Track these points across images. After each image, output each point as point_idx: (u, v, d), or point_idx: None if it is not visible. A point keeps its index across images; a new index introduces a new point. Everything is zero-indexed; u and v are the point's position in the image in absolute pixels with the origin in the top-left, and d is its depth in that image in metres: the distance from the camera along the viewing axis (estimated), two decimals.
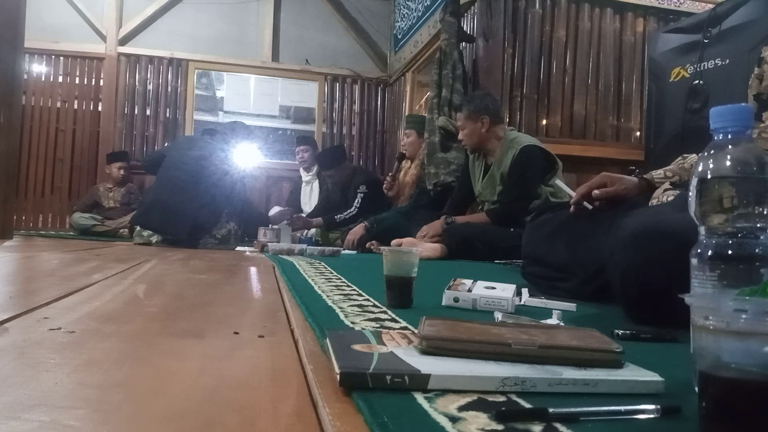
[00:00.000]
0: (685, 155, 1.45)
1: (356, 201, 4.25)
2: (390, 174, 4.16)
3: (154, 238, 3.60)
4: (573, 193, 1.53)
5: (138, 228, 3.75)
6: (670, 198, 1.32)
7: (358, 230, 3.74)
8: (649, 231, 1.03)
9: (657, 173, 1.45)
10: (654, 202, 1.38)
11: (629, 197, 1.44)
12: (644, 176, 1.46)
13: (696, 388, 0.48)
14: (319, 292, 1.30)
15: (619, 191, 1.44)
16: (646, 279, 0.99)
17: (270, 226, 3.80)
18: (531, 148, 2.94)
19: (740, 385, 0.43)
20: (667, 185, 1.39)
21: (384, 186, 4.11)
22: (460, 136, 3.19)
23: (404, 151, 4.16)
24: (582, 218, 1.48)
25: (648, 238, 1.01)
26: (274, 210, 4.95)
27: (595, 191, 1.44)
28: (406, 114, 5.47)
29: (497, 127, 3.08)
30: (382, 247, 1.24)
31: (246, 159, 4.00)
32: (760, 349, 0.42)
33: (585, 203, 1.48)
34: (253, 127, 4.30)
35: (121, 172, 5.19)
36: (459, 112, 3.22)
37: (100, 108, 5.73)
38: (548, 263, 1.51)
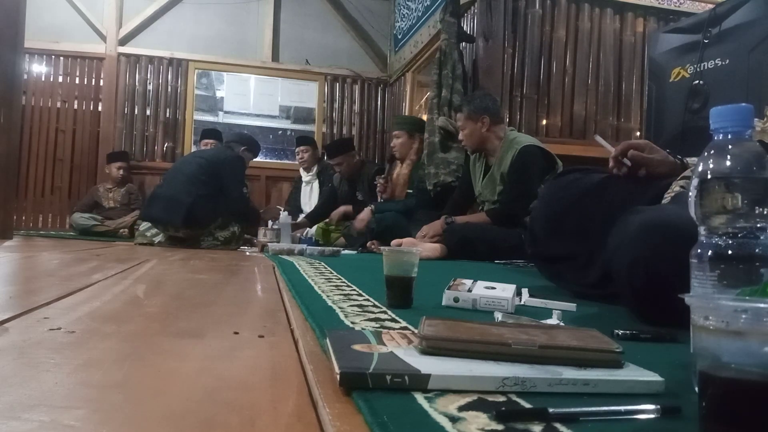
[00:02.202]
0: None
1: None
2: (383, 177, 4.18)
3: (157, 239, 3.61)
4: (612, 149, 1.50)
5: (140, 228, 3.78)
6: (678, 187, 1.31)
7: (364, 216, 3.78)
8: (657, 224, 1.03)
9: (691, 159, 1.44)
10: (667, 198, 1.37)
11: (661, 171, 1.41)
12: (679, 156, 1.44)
13: (696, 388, 0.48)
14: (319, 292, 1.30)
15: (653, 160, 1.41)
16: (654, 271, 0.98)
17: (270, 225, 3.80)
18: (531, 148, 2.95)
19: (740, 385, 0.43)
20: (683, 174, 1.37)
21: (378, 188, 4.12)
22: (460, 137, 3.19)
23: (394, 152, 4.18)
24: (619, 182, 1.44)
25: (656, 231, 1.01)
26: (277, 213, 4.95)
27: (632, 151, 1.42)
28: (409, 113, 5.47)
29: (497, 127, 3.09)
30: (382, 247, 1.24)
31: (247, 162, 4.04)
32: (760, 349, 0.42)
33: (625, 159, 1.45)
34: (258, 143, 4.37)
35: (121, 171, 5.19)
36: (459, 112, 3.22)
37: (100, 108, 5.73)
38: (569, 229, 1.45)
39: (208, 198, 3.55)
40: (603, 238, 1.30)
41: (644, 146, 1.45)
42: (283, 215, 4.05)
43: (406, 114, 5.52)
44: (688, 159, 1.43)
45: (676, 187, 1.32)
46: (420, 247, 2.69)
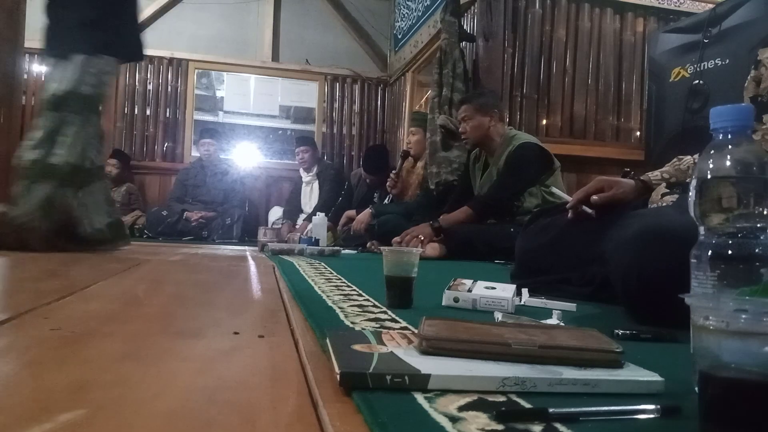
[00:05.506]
0: (681, 157, 1.43)
1: (388, 196, 4.20)
2: (394, 171, 4.14)
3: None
4: (570, 199, 1.51)
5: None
6: (669, 203, 1.32)
7: (364, 218, 3.77)
8: (652, 230, 1.03)
9: (653, 174, 1.43)
10: (652, 206, 1.38)
11: (627, 201, 1.42)
12: (641, 178, 1.45)
13: (696, 388, 0.48)
14: (319, 292, 1.30)
15: (617, 195, 1.41)
16: (648, 278, 0.99)
17: (270, 225, 3.78)
18: (529, 145, 2.97)
19: (740, 385, 0.43)
20: (663, 189, 1.38)
21: (388, 184, 4.09)
22: (462, 128, 3.14)
23: (409, 149, 4.15)
24: (585, 222, 1.45)
25: (651, 238, 1.01)
26: (276, 210, 4.91)
27: (594, 197, 1.42)
28: (409, 112, 5.46)
29: (500, 125, 3.11)
30: (382, 247, 1.24)
31: None
32: (760, 349, 0.42)
33: (585, 208, 1.46)
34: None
35: (111, 170, 5.08)
36: (465, 104, 3.16)
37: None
38: (553, 273, 1.47)
39: None
40: (589, 264, 1.31)
41: (601, 186, 1.42)
42: (319, 216, 3.93)
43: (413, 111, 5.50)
44: (649, 174, 1.43)
45: (661, 203, 1.32)
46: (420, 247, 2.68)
